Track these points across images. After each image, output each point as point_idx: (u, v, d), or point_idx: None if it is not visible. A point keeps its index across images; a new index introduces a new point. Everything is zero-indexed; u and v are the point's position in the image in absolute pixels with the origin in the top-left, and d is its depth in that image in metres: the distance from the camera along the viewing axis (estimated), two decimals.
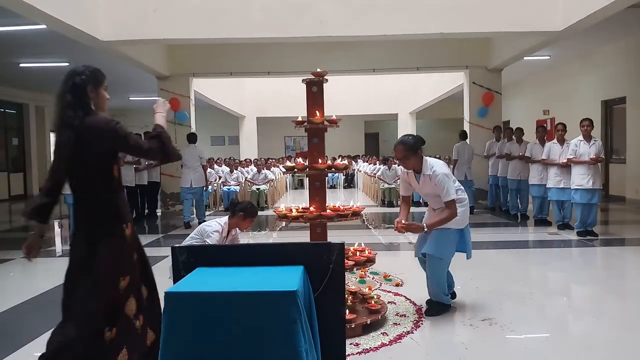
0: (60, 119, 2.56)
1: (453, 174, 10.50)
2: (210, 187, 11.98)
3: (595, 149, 7.01)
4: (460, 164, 10.01)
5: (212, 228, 4.15)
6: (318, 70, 3.75)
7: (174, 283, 2.09)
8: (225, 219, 4.31)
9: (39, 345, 3.55)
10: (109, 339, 2.48)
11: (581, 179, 7.00)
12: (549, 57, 12.39)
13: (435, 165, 3.86)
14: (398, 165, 12.79)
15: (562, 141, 7.64)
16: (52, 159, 2.73)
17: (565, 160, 7.37)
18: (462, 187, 4.07)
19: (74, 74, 2.62)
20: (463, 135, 10.37)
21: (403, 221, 3.89)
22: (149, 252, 7.18)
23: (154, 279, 2.78)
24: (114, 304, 2.52)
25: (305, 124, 3.74)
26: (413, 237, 5.42)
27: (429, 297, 4.07)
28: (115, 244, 2.57)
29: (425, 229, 3.81)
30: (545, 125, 11.53)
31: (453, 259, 4.05)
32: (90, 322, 2.46)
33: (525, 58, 10.69)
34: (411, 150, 3.82)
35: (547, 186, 7.80)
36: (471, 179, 10.11)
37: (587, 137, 7.09)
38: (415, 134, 4.09)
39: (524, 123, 12.17)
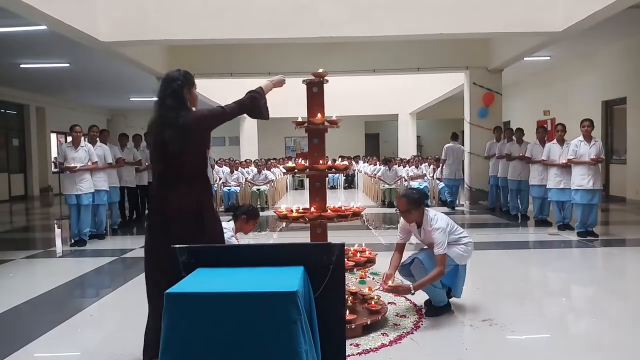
0: (162, 119, 2.93)
1: (442, 172, 11.16)
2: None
3: (596, 149, 7.01)
4: (450, 164, 10.71)
5: (228, 234, 4.12)
6: (320, 70, 3.75)
7: (175, 284, 2.09)
8: (231, 223, 4.30)
9: (39, 346, 3.56)
10: None
11: (581, 179, 6.99)
12: (549, 58, 12.39)
13: (434, 219, 3.85)
14: (398, 166, 12.80)
15: (561, 142, 7.64)
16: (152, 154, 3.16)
17: (565, 161, 7.38)
18: (466, 234, 4.02)
19: (171, 80, 2.98)
20: (454, 137, 10.98)
21: (390, 282, 3.83)
22: None
23: None
24: None
25: (306, 124, 3.74)
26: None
27: (428, 298, 4.07)
28: (217, 216, 3.11)
29: (412, 291, 3.77)
30: (545, 125, 11.53)
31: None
32: None
33: (525, 58, 10.70)
34: (414, 205, 3.83)
35: (547, 187, 7.79)
36: (461, 177, 10.98)
37: (588, 138, 7.09)
38: (419, 191, 4.11)
39: (525, 123, 12.17)
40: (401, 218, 3.99)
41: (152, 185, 3.10)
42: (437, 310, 3.96)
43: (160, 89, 3.01)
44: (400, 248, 4.08)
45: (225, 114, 3.06)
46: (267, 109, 3.22)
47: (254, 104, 3.14)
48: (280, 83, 3.42)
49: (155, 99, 3.04)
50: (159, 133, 2.94)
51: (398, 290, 3.80)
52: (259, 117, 3.25)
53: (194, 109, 3.07)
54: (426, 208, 3.94)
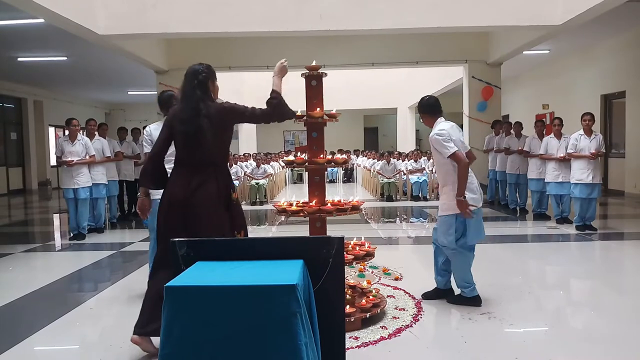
0: (195, 110, 3.07)
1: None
2: None
3: (596, 143, 7.01)
4: None
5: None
6: (313, 63, 3.74)
7: (174, 277, 2.09)
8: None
9: (39, 339, 3.57)
10: None
11: (581, 173, 7.00)
12: (548, 51, 12.37)
13: (437, 127, 4.00)
14: (396, 160, 12.80)
15: (559, 136, 7.65)
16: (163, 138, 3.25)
17: (563, 155, 7.39)
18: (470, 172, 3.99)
19: (197, 73, 3.15)
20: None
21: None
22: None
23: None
24: None
25: (305, 118, 3.73)
26: (412, 232, 5.37)
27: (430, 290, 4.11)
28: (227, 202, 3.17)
29: (463, 198, 3.81)
30: (544, 119, 11.53)
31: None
32: None
33: (524, 52, 10.67)
34: (421, 109, 4.18)
35: (545, 180, 7.80)
36: None
37: (588, 132, 7.08)
38: (431, 97, 4.24)
39: (524, 117, 12.15)
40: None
41: (172, 171, 3.22)
42: (460, 299, 4.02)
43: (187, 81, 3.16)
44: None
45: (245, 115, 3.18)
46: (289, 109, 3.27)
47: (278, 112, 3.21)
48: (282, 71, 3.42)
49: (181, 90, 3.20)
50: (191, 122, 3.07)
51: (461, 208, 3.81)
52: (286, 119, 3.37)
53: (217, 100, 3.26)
54: (441, 118, 4.08)
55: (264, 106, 3.21)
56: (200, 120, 3.06)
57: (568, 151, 7.23)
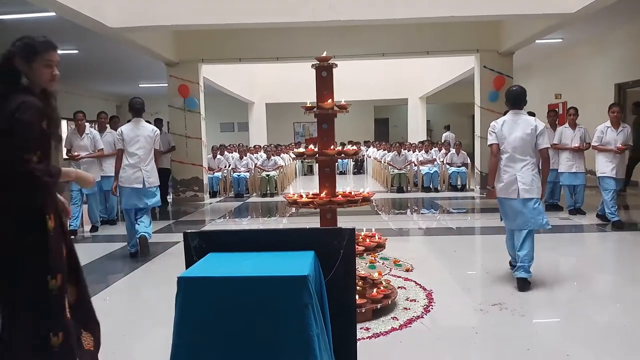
0: None
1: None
2: (220, 173, 12.07)
3: (623, 136, 6.77)
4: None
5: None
6: (324, 54, 3.72)
7: (187, 268, 2.11)
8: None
9: None
10: (57, 344, 2.30)
11: (606, 166, 6.79)
12: (561, 40, 12.20)
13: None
14: (407, 151, 12.75)
15: (573, 125, 7.55)
16: None
17: (577, 145, 7.31)
18: (507, 166, 4.29)
19: (10, 45, 2.40)
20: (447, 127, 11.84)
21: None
22: (160, 237, 7.18)
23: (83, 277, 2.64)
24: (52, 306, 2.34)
25: (315, 109, 3.72)
26: (423, 223, 5.31)
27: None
28: (35, 238, 2.32)
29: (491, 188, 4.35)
30: (557, 109, 11.39)
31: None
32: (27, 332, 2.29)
33: (537, 41, 10.54)
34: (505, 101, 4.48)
35: (558, 171, 7.72)
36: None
37: (616, 124, 6.86)
38: (521, 87, 4.54)
39: (536, 107, 12.00)
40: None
41: None
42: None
43: None
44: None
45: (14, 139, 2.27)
46: (33, 194, 2.43)
47: (31, 181, 2.36)
48: (83, 182, 2.81)
49: None
50: None
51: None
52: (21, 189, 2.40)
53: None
54: (515, 111, 4.42)
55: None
56: None
57: (593, 144, 7.02)
